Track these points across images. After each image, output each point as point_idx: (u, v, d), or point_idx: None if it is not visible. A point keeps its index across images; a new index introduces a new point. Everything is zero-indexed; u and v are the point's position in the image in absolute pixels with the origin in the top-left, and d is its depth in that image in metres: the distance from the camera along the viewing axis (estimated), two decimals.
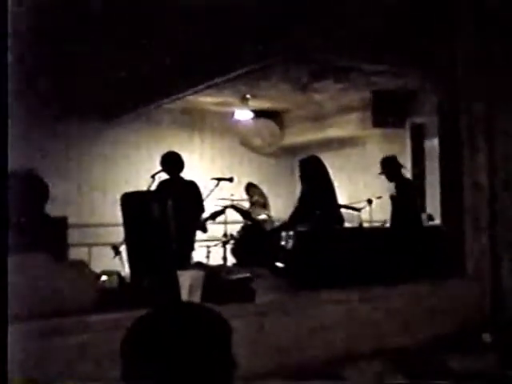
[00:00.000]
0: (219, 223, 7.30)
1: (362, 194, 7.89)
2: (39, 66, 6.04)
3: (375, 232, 7.17)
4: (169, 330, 1.27)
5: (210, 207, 6.87)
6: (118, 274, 5.56)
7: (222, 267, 6.72)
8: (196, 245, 6.61)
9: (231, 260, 7.36)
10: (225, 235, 7.52)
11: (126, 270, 5.50)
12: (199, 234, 6.67)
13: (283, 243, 6.07)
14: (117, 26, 6.13)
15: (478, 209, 5.97)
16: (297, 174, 6.88)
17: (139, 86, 8.23)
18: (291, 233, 5.91)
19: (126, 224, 5.25)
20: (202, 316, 1.33)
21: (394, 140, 9.82)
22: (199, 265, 6.48)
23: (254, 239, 7.14)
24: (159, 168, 6.47)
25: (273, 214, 8.13)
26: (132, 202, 5.26)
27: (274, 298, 5.06)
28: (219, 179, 6.99)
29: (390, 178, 7.28)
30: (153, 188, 6.28)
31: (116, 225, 5.84)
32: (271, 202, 8.34)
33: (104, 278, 5.53)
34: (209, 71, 7.36)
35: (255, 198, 8.18)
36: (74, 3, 5.53)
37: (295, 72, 8.06)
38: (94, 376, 3.50)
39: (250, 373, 3.47)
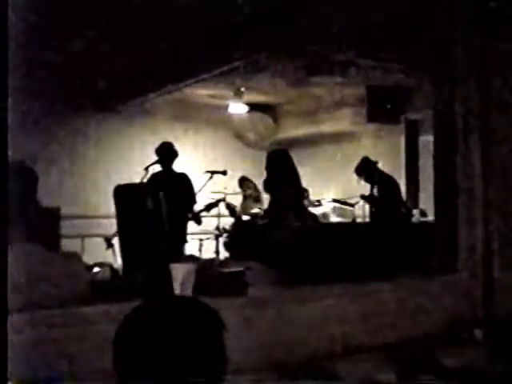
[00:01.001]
0: (212, 216, 7.28)
1: (355, 189, 7.89)
2: (36, 58, 6.02)
3: (368, 227, 7.20)
4: (161, 323, 1.27)
5: (203, 200, 6.86)
6: (111, 266, 5.55)
7: (215, 260, 6.72)
8: (188, 238, 6.62)
9: (224, 253, 7.35)
10: (217, 228, 7.50)
11: (118, 262, 5.49)
12: (192, 227, 6.67)
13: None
14: (113, 17, 6.10)
15: (472, 205, 5.98)
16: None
17: (134, 78, 8.20)
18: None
19: (119, 216, 5.23)
20: (193, 309, 1.33)
21: (389, 136, 9.83)
22: (192, 258, 6.48)
23: (246, 233, 7.14)
24: (152, 160, 6.49)
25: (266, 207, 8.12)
26: (125, 194, 5.25)
27: (266, 292, 5.06)
28: (213, 172, 6.98)
29: (370, 182, 7.35)
30: (146, 180, 6.27)
31: (109, 217, 5.83)
32: (264, 195, 8.33)
33: (96, 269, 5.52)
34: (204, 63, 7.34)
35: (248, 191, 8.17)
36: None
37: (291, 66, 8.05)
38: (82, 369, 3.49)
39: (241, 367, 3.47)
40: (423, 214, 8.15)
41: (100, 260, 6.08)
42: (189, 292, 4.44)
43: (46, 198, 5.25)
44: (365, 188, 8.09)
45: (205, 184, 6.79)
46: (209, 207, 6.80)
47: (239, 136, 11.26)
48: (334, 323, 4.87)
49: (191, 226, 6.64)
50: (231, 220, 7.67)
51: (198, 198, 6.63)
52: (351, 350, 4.76)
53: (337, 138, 10.72)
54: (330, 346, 4.76)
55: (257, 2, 5.87)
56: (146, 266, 4.72)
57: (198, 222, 6.58)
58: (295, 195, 6.59)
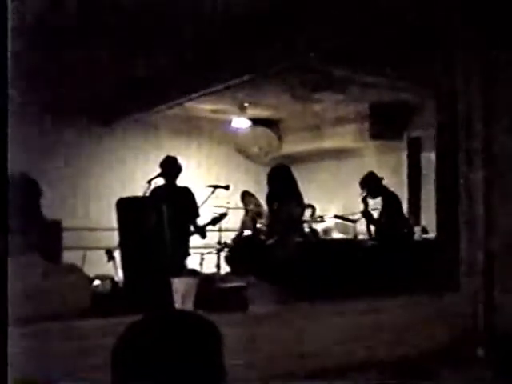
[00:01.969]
0: (213, 231, 7.28)
1: (358, 205, 7.89)
2: (38, 69, 6.05)
3: (370, 244, 7.18)
4: (160, 337, 1.27)
5: (205, 214, 6.87)
6: (112, 279, 5.54)
7: (216, 275, 6.71)
8: (190, 252, 6.61)
9: (225, 268, 7.34)
10: (219, 243, 7.50)
11: (119, 275, 5.48)
12: (193, 241, 6.67)
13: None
14: (116, 30, 6.14)
15: (474, 223, 5.97)
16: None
17: (138, 92, 8.23)
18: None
19: (121, 229, 5.24)
20: (193, 324, 1.33)
21: (391, 152, 9.84)
22: (193, 272, 6.47)
23: (248, 248, 7.13)
24: (155, 173, 6.51)
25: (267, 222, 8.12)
26: (127, 208, 5.25)
27: (267, 308, 5.04)
28: (215, 187, 7.00)
29: (373, 196, 7.34)
30: (148, 193, 6.29)
31: (111, 229, 5.83)
32: (266, 210, 8.33)
33: (97, 282, 5.51)
34: (207, 78, 7.37)
35: (250, 206, 8.18)
36: (72, 7, 5.53)
37: (294, 82, 8.08)
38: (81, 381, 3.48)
39: (241, 382, 3.45)
40: (425, 231, 8.14)
41: (101, 273, 6.07)
42: (189, 306, 4.43)
43: (47, 211, 5.27)
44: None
45: (207, 198, 6.81)
46: (214, 221, 6.81)
47: (242, 151, 11.28)
48: (334, 340, 4.85)
49: (193, 239, 6.64)
50: (233, 235, 7.67)
51: (200, 212, 6.64)
52: (350, 367, 4.73)
53: (339, 154, 10.74)
54: (330, 362, 4.73)
55: (260, 17, 5.91)
56: (147, 280, 4.72)
57: (203, 236, 6.60)
58: (296, 211, 6.60)
